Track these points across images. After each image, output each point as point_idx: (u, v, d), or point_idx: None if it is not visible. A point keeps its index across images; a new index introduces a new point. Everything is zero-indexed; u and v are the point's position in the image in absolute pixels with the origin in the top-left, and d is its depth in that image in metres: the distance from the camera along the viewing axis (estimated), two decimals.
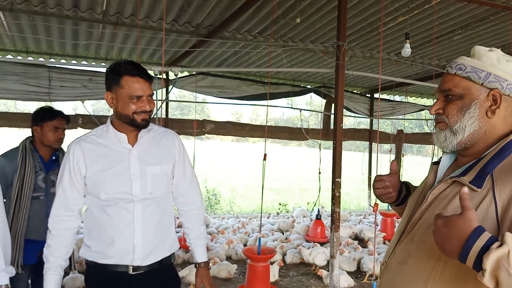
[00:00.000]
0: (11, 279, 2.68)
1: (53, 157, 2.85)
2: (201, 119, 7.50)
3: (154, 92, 2.01)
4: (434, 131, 1.29)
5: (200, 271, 2.04)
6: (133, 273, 1.81)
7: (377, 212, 4.43)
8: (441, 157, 1.34)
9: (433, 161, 1.42)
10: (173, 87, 5.80)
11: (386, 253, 1.35)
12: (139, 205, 1.80)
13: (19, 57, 6.16)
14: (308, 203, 8.59)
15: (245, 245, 6.13)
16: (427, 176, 1.38)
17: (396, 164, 1.51)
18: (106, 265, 1.81)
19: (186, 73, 7.11)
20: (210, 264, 4.37)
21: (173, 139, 1.98)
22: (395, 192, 1.48)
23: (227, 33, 5.23)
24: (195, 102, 6.88)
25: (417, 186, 1.45)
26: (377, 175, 1.50)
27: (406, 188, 1.53)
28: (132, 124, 1.80)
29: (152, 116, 1.92)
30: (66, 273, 3.74)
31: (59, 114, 2.77)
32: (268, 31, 5.13)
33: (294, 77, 7.76)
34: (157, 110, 3.77)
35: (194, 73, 6.97)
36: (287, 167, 23.52)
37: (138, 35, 4.92)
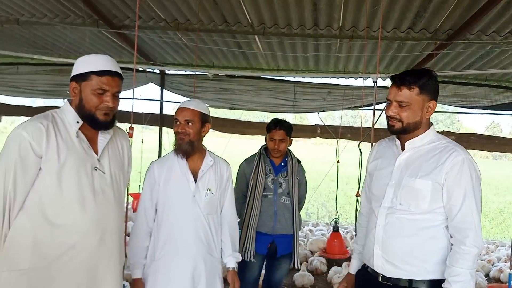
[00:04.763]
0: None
1: (282, 163, 3.16)
2: None
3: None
4: None
5: None
6: None
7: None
8: None
9: None
10: None
11: None
12: None
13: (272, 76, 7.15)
14: None
15: None
16: None
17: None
18: None
19: None
20: None
21: None
22: None
23: (471, 35, 4.71)
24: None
25: None
26: None
27: None
28: None
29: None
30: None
31: (276, 126, 3.06)
32: None
33: None
34: None
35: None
36: None
37: (365, 45, 4.98)
